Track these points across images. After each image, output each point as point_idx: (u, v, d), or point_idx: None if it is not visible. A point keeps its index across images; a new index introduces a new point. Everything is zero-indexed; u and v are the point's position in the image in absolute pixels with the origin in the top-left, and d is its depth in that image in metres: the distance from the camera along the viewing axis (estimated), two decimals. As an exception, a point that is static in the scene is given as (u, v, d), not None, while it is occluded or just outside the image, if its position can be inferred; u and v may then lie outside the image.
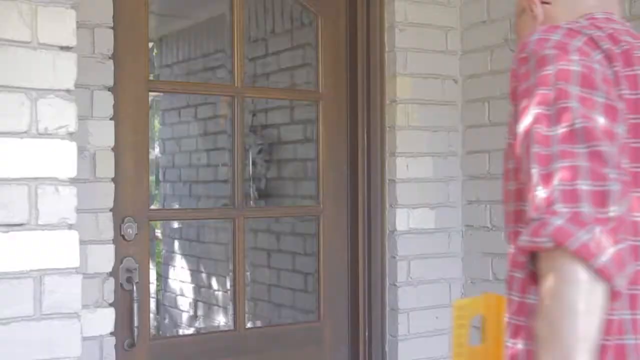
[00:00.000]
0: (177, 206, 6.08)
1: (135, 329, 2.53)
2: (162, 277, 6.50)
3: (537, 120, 1.12)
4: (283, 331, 3.15)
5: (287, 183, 4.65)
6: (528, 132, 1.12)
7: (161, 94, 6.10)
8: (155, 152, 6.57)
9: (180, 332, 6.02)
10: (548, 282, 1.02)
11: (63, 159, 1.87)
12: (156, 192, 6.53)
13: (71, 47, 1.90)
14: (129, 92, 2.58)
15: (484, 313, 1.32)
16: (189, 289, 6.01)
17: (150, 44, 4.78)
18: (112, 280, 2.47)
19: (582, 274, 0.99)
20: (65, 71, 1.88)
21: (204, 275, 5.78)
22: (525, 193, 1.12)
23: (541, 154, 1.08)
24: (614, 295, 1.02)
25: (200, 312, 5.81)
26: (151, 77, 5.23)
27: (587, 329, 1.00)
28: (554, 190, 1.04)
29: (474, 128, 3.16)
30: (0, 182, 1.80)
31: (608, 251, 1.00)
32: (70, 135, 1.89)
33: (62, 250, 1.86)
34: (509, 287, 1.22)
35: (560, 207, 1.03)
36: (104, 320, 2.44)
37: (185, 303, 6.05)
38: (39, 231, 1.84)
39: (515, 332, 1.17)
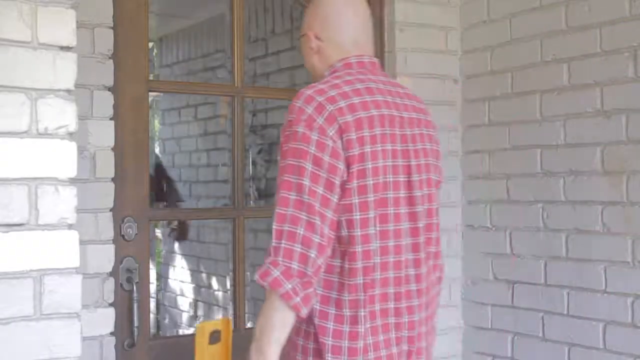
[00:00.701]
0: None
1: (135, 329, 2.53)
2: (162, 277, 6.50)
3: (284, 185, 1.71)
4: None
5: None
6: (279, 191, 1.72)
7: (161, 94, 6.10)
8: (156, 152, 6.57)
9: (180, 332, 6.02)
10: (266, 304, 1.70)
11: (63, 159, 1.86)
12: (156, 192, 6.52)
13: (71, 47, 1.89)
14: (129, 92, 2.58)
15: (220, 328, 1.91)
16: (189, 289, 6.01)
17: (150, 44, 4.77)
18: (112, 280, 2.47)
19: (282, 306, 1.68)
20: (65, 71, 1.88)
21: (204, 275, 5.78)
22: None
23: (280, 213, 1.71)
24: (299, 318, 1.71)
25: (200, 312, 5.81)
26: (151, 77, 5.23)
27: (279, 334, 1.70)
28: (280, 246, 1.69)
29: (474, 128, 3.16)
30: (0, 182, 1.80)
31: (299, 295, 1.67)
32: (70, 135, 1.88)
33: (62, 250, 1.86)
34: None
35: (280, 260, 1.68)
36: (104, 320, 2.44)
37: (185, 303, 6.05)
38: (39, 231, 1.83)
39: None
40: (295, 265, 1.67)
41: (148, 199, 2.66)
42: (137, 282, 2.55)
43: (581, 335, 2.72)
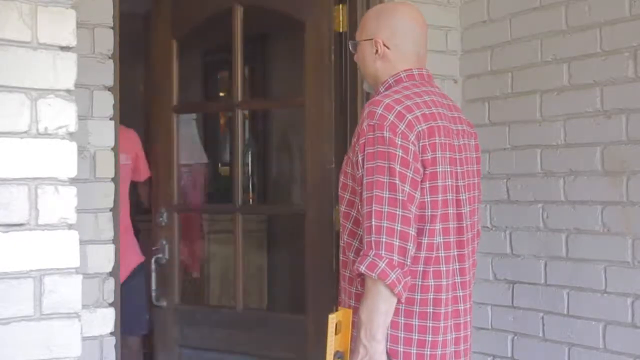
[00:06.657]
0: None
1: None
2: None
3: (377, 185, 1.91)
4: (273, 318, 3.15)
5: (286, 183, 4.65)
6: (370, 189, 1.91)
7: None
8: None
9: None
10: (371, 293, 1.92)
11: (63, 159, 1.86)
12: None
13: (71, 47, 1.89)
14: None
15: (340, 319, 2.02)
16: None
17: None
18: (112, 280, 2.47)
19: (387, 295, 1.91)
20: (65, 71, 1.88)
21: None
22: (360, 222, 1.99)
23: (377, 210, 1.90)
24: (399, 302, 1.94)
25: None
26: (151, 77, 5.21)
27: (385, 318, 1.93)
28: (381, 240, 1.89)
29: (474, 128, 3.16)
30: (0, 182, 1.79)
31: (401, 284, 1.91)
32: (70, 135, 1.88)
33: (62, 250, 1.86)
34: (350, 282, 2.09)
35: (383, 254, 1.89)
36: (104, 320, 2.45)
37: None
38: (39, 231, 1.83)
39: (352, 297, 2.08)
40: (396, 257, 1.89)
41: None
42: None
43: (581, 335, 2.72)
